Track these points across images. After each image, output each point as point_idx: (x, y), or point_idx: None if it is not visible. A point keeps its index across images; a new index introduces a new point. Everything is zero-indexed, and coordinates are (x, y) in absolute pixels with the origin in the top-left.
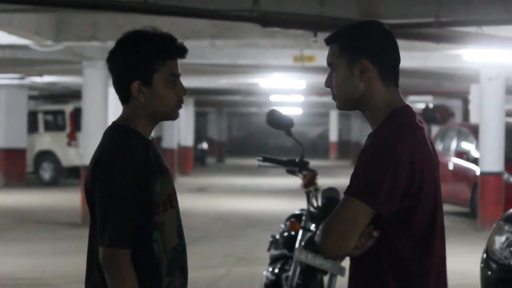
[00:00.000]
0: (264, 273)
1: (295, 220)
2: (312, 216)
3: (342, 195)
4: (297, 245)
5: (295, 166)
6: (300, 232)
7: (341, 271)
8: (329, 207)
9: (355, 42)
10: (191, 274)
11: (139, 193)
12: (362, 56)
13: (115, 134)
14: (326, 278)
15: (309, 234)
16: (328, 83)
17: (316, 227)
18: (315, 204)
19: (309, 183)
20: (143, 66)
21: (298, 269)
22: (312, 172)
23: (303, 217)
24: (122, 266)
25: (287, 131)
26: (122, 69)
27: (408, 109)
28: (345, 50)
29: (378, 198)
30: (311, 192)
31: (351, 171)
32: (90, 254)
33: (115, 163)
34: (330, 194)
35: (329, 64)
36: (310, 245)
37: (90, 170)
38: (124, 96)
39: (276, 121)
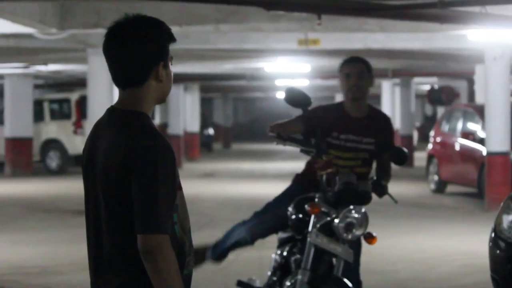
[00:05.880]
0: (273, 256)
1: (315, 203)
2: (326, 200)
3: (357, 180)
4: (310, 228)
5: (312, 148)
6: (312, 215)
7: (350, 256)
8: (345, 192)
9: None
10: None
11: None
12: None
13: (142, 120)
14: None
15: (326, 219)
16: None
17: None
18: (327, 188)
19: (326, 166)
20: (166, 48)
21: (312, 252)
22: (330, 155)
23: (316, 200)
24: (168, 251)
25: (305, 110)
26: (146, 50)
27: None
28: None
29: None
30: (324, 176)
31: None
32: (102, 242)
33: (160, 149)
34: (347, 179)
35: None
36: (323, 229)
37: (121, 157)
38: (140, 78)
39: (295, 99)
